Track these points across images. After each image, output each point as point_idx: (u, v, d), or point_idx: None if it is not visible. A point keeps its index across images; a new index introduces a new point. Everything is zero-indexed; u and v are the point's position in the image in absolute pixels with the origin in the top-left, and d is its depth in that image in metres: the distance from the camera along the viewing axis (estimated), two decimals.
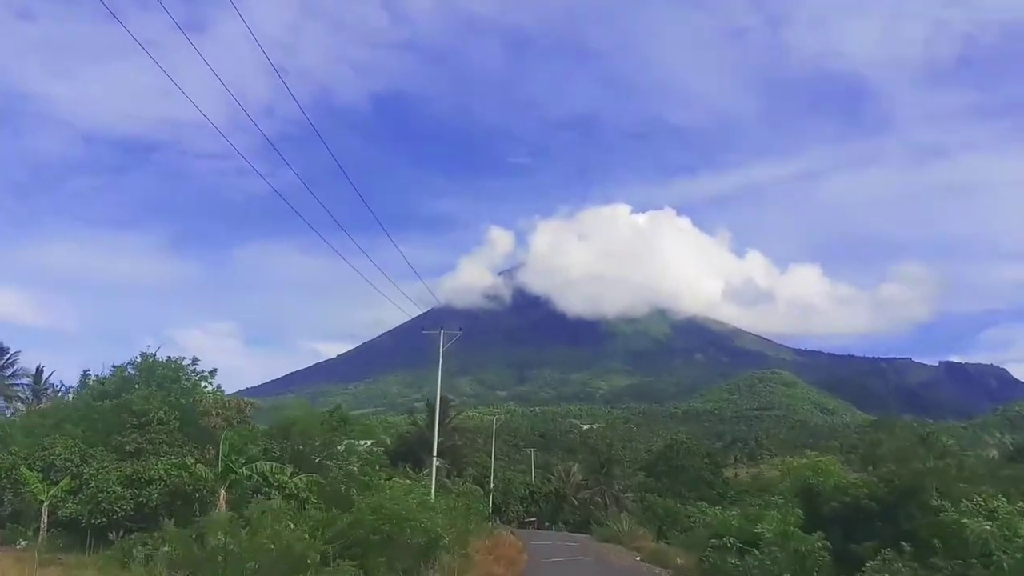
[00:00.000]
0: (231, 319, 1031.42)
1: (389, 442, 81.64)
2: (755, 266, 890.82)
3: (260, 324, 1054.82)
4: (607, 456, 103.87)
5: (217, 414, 37.65)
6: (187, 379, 43.00)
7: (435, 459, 48.26)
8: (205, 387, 43.17)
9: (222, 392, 43.41)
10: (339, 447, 40.38)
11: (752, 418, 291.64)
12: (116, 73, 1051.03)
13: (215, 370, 43.59)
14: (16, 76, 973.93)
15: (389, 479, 37.00)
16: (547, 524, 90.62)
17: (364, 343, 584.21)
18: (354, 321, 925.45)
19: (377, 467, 38.48)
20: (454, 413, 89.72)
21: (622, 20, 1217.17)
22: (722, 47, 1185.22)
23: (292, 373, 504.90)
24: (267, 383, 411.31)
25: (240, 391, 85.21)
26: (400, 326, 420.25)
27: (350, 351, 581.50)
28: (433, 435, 51.81)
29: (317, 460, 37.58)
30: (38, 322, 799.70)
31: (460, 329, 46.72)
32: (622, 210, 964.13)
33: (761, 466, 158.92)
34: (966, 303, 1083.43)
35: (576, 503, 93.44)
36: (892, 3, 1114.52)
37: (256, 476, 30.50)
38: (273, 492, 29.45)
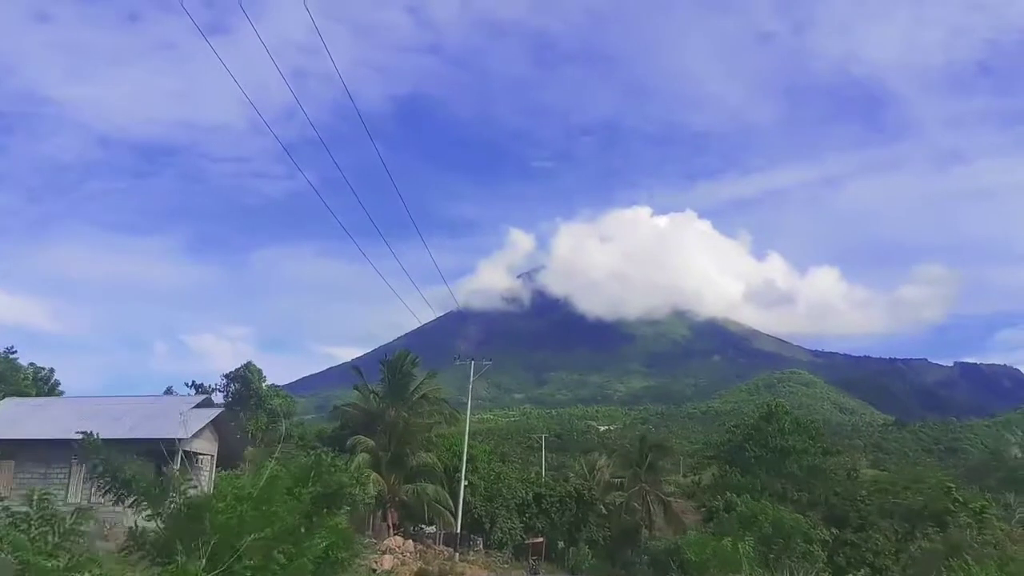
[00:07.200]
0: (246, 323, 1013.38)
1: None
2: (775, 269, 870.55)
3: (275, 328, 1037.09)
4: (653, 442, 71.03)
5: None
6: None
7: None
8: None
9: None
10: None
11: None
12: (133, 76, 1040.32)
13: None
14: (31, 79, 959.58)
15: None
16: (563, 546, 60.69)
17: (380, 346, 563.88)
18: (370, 325, 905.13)
19: None
20: (423, 378, 58.98)
21: (646, 25, 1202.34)
22: (745, 52, 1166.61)
23: (305, 377, 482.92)
24: (280, 386, 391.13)
25: None
26: (419, 328, 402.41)
27: (365, 354, 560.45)
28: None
29: None
30: (50, 328, 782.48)
31: None
32: (643, 213, 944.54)
33: None
34: (980, 305, 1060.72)
35: (605, 511, 62.78)
36: (914, 8, 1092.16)
37: None
38: None
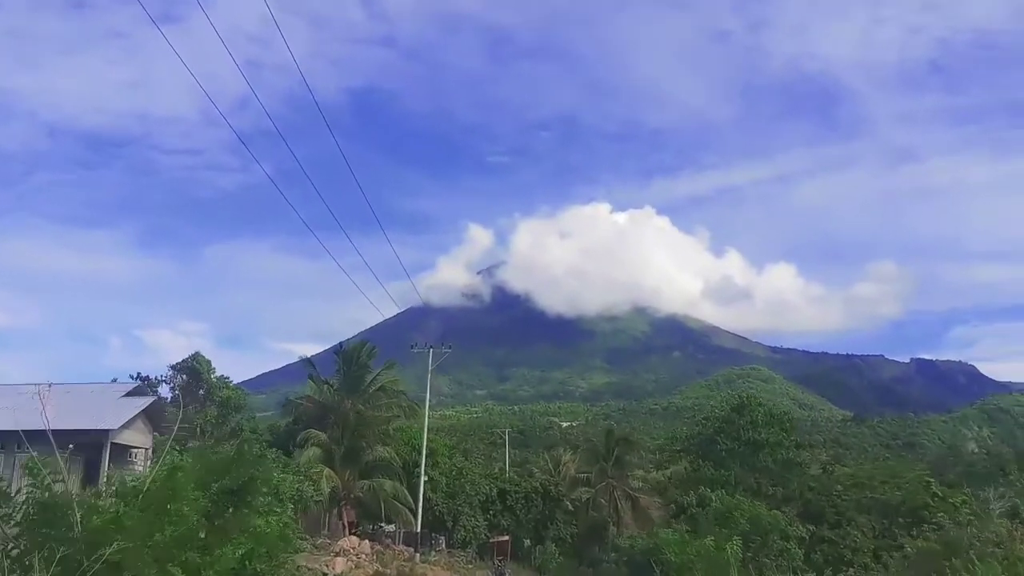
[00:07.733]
0: (203, 319, 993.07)
1: None
2: (733, 265, 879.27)
3: (232, 325, 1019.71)
4: (620, 436, 68.33)
5: None
6: None
7: None
8: None
9: None
10: None
11: None
12: (81, 65, 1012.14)
13: None
14: None
15: None
16: (529, 544, 58.09)
17: (339, 342, 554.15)
18: (330, 321, 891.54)
19: None
20: (380, 369, 55.90)
21: (604, 22, 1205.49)
22: (703, 50, 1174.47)
23: (265, 373, 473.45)
24: (238, 383, 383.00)
25: None
26: (378, 324, 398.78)
27: (324, 350, 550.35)
28: None
29: None
30: None
31: None
32: (602, 209, 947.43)
33: None
34: (936, 302, 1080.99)
35: (571, 508, 60.94)
36: (869, 7, 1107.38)
37: None
38: None
